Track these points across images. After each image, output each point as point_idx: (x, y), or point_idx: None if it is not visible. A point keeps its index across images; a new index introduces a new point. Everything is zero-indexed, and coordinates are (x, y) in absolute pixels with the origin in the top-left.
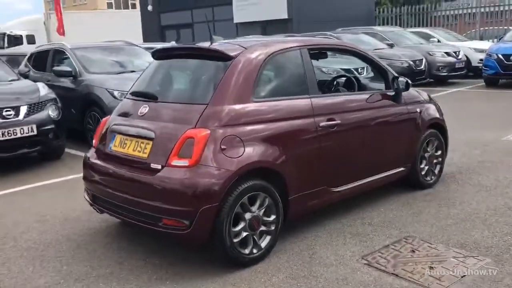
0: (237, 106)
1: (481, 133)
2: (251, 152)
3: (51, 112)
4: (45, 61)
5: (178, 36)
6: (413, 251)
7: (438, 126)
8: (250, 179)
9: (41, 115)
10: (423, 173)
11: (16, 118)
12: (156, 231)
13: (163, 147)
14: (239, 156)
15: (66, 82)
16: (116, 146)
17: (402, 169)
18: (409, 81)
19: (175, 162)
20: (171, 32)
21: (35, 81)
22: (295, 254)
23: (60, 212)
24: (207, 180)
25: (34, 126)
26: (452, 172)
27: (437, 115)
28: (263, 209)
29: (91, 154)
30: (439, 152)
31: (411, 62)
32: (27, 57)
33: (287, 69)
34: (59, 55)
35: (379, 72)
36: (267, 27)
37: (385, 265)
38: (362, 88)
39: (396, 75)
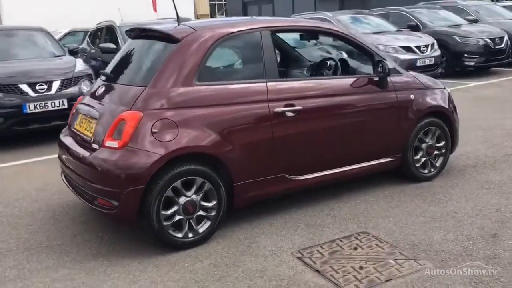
0: (176, 89)
1: None
2: (185, 136)
3: (84, 86)
4: (97, 38)
5: (259, 11)
6: (355, 248)
7: (442, 115)
8: (184, 163)
9: (73, 90)
10: (417, 165)
11: (49, 92)
12: (95, 209)
13: (103, 128)
14: (171, 140)
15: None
16: (77, 125)
17: (389, 159)
18: (388, 66)
19: (108, 143)
20: (253, 7)
21: (92, 57)
22: (236, 242)
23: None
24: (133, 162)
25: (65, 100)
26: (465, 165)
27: (440, 103)
28: (201, 194)
29: (63, 132)
30: (442, 143)
31: (489, 40)
32: (88, 34)
33: (241, 52)
34: (108, 32)
35: (366, 55)
36: (344, 2)
37: (315, 261)
38: (350, 72)
39: (382, 58)
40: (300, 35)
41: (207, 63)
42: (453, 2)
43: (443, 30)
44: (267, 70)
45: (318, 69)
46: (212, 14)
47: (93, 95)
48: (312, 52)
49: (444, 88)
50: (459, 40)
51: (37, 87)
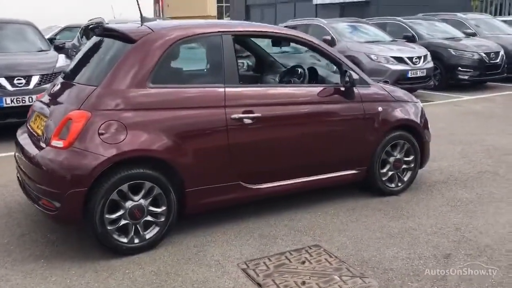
0: (128, 91)
1: None
2: (134, 139)
3: None
4: (87, 34)
5: (262, 15)
6: (303, 262)
7: (412, 129)
8: (132, 167)
9: None
10: (384, 178)
11: (27, 87)
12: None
13: (51, 126)
14: (118, 143)
15: None
16: (32, 122)
17: (353, 172)
18: (354, 76)
19: (54, 142)
20: (256, 11)
21: None
22: (184, 249)
23: None
24: (76, 163)
25: None
26: (436, 181)
27: (409, 117)
28: (150, 199)
29: (21, 129)
30: (411, 158)
31: (483, 55)
32: (79, 30)
33: (200, 55)
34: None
35: (333, 64)
36: (345, 9)
37: (259, 273)
38: (319, 81)
39: (349, 68)
40: (272, 41)
41: (163, 65)
42: (453, 15)
43: (438, 42)
44: (227, 75)
45: (287, 76)
46: (220, 16)
47: (50, 93)
48: (306, 59)
49: (417, 102)
50: (454, 53)
51: (15, 81)
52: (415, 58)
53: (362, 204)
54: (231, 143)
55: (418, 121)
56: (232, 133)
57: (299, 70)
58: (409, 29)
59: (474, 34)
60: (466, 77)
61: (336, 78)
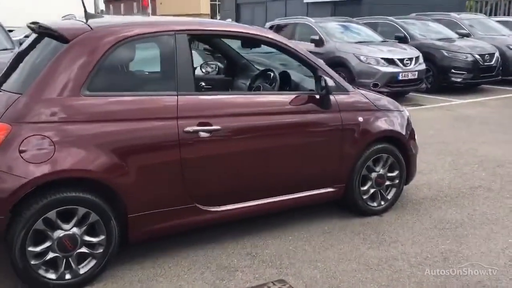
0: (58, 100)
1: None
2: (64, 157)
3: None
4: None
5: (252, 13)
6: None
7: (396, 141)
8: (60, 190)
9: None
10: (365, 196)
11: None
12: None
13: None
14: (43, 162)
15: None
16: None
17: (330, 190)
18: (330, 82)
19: None
20: (246, 9)
21: None
22: (127, 284)
23: None
24: None
25: None
26: (424, 198)
27: (394, 128)
28: (85, 227)
29: None
30: (395, 173)
31: (477, 56)
32: None
33: (148, 58)
34: None
35: (307, 68)
36: (336, 8)
37: None
38: (292, 87)
39: (324, 73)
40: (242, 42)
41: (102, 69)
42: (446, 15)
43: (430, 43)
44: (180, 81)
45: (258, 81)
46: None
47: None
48: (292, 61)
49: (402, 111)
50: (447, 55)
51: None
52: (406, 60)
53: (340, 227)
54: (184, 160)
55: (404, 132)
56: (186, 149)
57: (271, 74)
58: (401, 29)
59: (468, 35)
60: (459, 80)
61: (312, 84)
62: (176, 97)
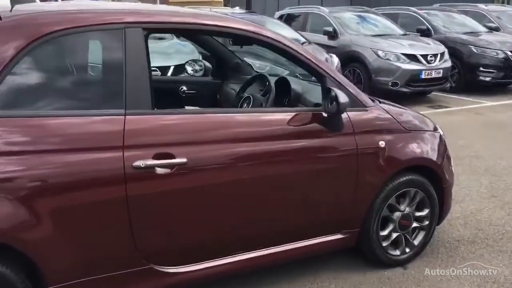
0: None
1: None
2: None
3: None
4: None
5: (264, 3)
6: None
7: (428, 171)
8: None
9: None
10: (385, 243)
11: None
12: None
13: None
14: None
15: None
16: None
17: (338, 236)
18: (343, 98)
19: None
20: None
21: None
22: None
23: None
24: None
25: None
26: (459, 239)
27: (425, 154)
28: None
29: None
30: (425, 212)
31: (509, 53)
32: None
33: (82, 63)
34: None
35: (313, 75)
36: None
37: None
38: (291, 101)
39: (335, 83)
40: (231, 40)
41: (10, 79)
42: (473, 6)
43: (457, 37)
44: (130, 94)
45: (249, 90)
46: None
47: None
48: None
49: (435, 131)
50: (475, 51)
51: None
52: (430, 56)
53: (351, 284)
54: (132, 206)
55: (438, 159)
56: (135, 191)
57: (266, 82)
58: (424, 21)
59: (497, 29)
60: (488, 79)
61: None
62: (123, 117)
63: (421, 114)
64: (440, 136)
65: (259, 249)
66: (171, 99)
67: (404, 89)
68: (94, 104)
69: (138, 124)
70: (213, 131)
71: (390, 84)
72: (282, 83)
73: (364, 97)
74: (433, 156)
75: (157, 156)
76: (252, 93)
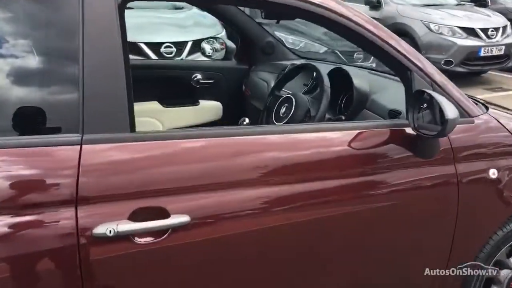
0: None
1: None
2: None
3: None
4: None
5: None
6: None
7: None
8: None
9: None
10: None
11: None
12: None
13: None
14: None
15: None
16: None
17: None
18: (451, 114)
19: None
20: None
21: None
22: None
23: None
24: None
25: None
26: None
27: None
28: None
29: None
30: None
31: None
32: None
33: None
34: None
35: (394, 70)
36: None
37: None
38: (356, 105)
39: (433, 83)
40: (264, 13)
41: None
42: None
43: None
44: (90, 107)
45: (287, 86)
46: None
47: None
48: None
49: None
50: None
51: None
52: (491, 30)
53: None
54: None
55: None
56: (98, 274)
57: (314, 75)
58: None
59: None
60: None
61: (398, 99)
62: (78, 147)
63: None
64: None
65: None
66: (180, 93)
67: (460, 69)
68: (19, 123)
69: (105, 159)
70: (232, 166)
71: (443, 62)
72: (339, 75)
73: (468, 103)
74: None
75: (137, 215)
76: (295, 91)
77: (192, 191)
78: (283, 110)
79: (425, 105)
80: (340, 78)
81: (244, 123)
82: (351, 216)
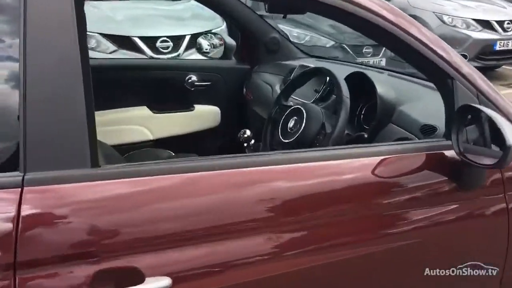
0: None
1: None
2: None
3: None
4: None
5: None
6: None
7: None
8: None
9: None
10: None
11: None
12: None
13: None
14: None
15: None
16: None
17: None
18: (510, 139)
19: None
20: None
21: None
22: None
23: None
24: None
25: None
26: None
27: None
28: None
29: None
30: None
31: None
32: None
33: None
34: None
35: (428, 77)
36: None
37: None
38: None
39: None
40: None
41: None
42: None
43: None
44: (34, 134)
45: (296, 93)
46: None
47: None
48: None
49: None
50: None
51: None
52: (508, 23)
53: None
54: None
55: None
56: None
57: (327, 81)
58: None
59: None
60: None
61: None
62: (19, 190)
63: None
64: None
65: None
66: (172, 96)
67: (474, 63)
68: None
69: (55, 205)
70: (226, 210)
71: None
72: (358, 82)
73: None
74: None
75: (99, 280)
76: (304, 100)
77: (174, 245)
78: (291, 124)
79: (471, 124)
80: (358, 82)
81: (245, 136)
82: (377, 262)
